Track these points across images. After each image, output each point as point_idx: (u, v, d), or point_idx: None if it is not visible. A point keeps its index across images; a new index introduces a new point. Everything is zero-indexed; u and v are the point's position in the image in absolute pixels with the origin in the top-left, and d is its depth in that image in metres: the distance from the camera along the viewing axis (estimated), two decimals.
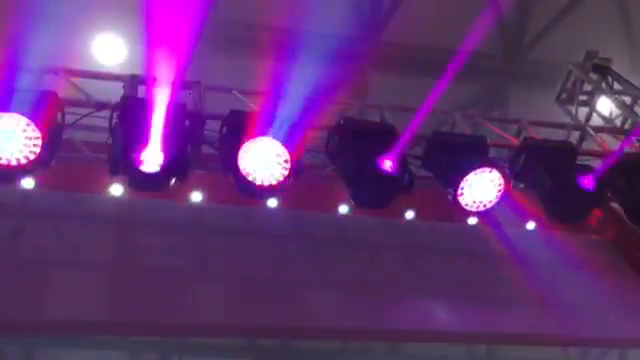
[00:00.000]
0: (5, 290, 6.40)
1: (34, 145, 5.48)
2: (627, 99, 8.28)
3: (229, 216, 7.67)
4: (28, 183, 6.28)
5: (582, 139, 7.84)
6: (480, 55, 9.65)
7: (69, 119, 6.08)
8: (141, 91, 6.17)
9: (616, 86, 8.42)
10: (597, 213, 6.88)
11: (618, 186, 7.01)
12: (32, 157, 5.49)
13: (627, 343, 8.94)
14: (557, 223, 7.26)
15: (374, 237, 8.05)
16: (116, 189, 6.96)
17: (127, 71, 6.57)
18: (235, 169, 5.93)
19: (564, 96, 8.60)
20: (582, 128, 7.95)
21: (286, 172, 5.98)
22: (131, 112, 5.80)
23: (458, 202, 6.43)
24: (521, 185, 7.06)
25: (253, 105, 6.60)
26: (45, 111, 5.53)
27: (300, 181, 6.12)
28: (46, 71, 6.23)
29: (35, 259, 6.85)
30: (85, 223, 7.21)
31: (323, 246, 7.79)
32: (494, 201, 6.53)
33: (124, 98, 6.04)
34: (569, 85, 8.55)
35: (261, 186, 6.00)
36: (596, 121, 8.31)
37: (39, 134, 5.45)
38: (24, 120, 5.41)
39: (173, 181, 5.83)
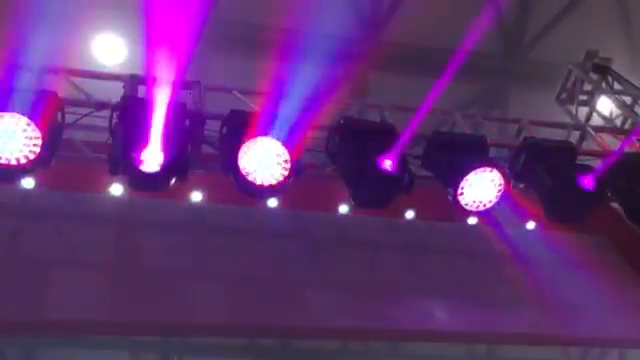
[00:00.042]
0: (5, 290, 6.41)
1: (34, 145, 5.48)
2: (627, 99, 8.28)
3: (229, 216, 7.68)
4: (28, 183, 6.28)
5: (582, 139, 7.83)
6: (480, 55, 9.64)
7: (69, 119, 6.08)
8: (141, 91, 6.17)
9: (616, 86, 8.41)
10: (597, 213, 6.85)
11: (618, 186, 7.01)
12: (32, 157, 5.49)
13: (627, 343, 8.94)
14: (557, 223, 7.26)
15: (374, 237, 8.06)
16: (116, 189, 6.96)
17: (127, 71, 6.57)
18: (235, 169, 5.93)
19: (564, 96, 8.60)
20: (582, 128, 7.95)
21: (286, 172, 5.98)
22: (131, 112, 5.80)
23: (458, 202, 6.43)
24: (521, 185, 7.05)
25: (253, 105, 6.60)
26: (45, 111, 5.53)
27: (300, 181, 6.12)
28: (46, 71, 6.22)
29: (35, 259, 6.85)
30: (85, 223, 7.22)
31: (323, 246, 7.80)
32: (494, 201, 6.53)
33: (124, 98, 6.04)
34: (569, 85, 8.55)
35: (261, 186, 6.00)
36: (596, 121, 8.31)
37: (39, 134, 5.45)
38: (24, 120, 5.41)
39: (173, 181, 5.83)
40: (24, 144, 5.46)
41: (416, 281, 7.78)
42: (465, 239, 8.11)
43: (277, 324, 7.19)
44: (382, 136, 6.32)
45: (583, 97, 8.45)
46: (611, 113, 8.39)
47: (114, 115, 5.99)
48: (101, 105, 6.13)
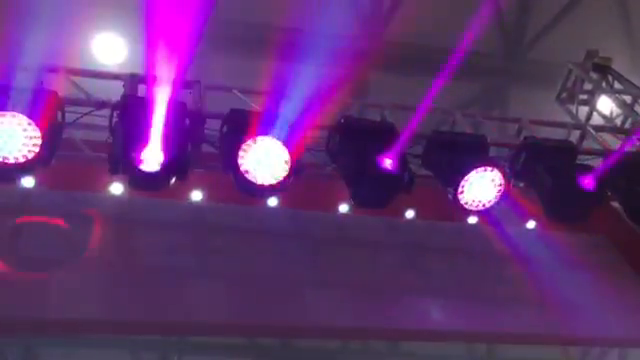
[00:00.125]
0: (5, 289, 6.40)
1: (34, 144, 5.48)
2: (627, 98, 8.28)
3: (229, 215, 7.68)
4: (28, 182, 6.27)
5: (582, 138, 7.83)
6: (481, 54, 9.66)
7: (69, 118, 6.08)
8: (141, 90, 6.17)
9: (616, 85, 8.41)
10: (597, 213, 6.86)
11: (618, 186, 7.01)
12: (32, 156, 5.49)
13: (627, 342, 8.94)
14: (557, 222, 7.26)
15: (374, 236, 8.06)
16: (116, 188, 6.96)
17: (127, 70, 6.57)
18: (235, 168, 5.93)
19: (564, 95, 8.59)
20: (582, 127, 7.95)
21: (286, 171, 5.98)
22: (131, 111, 5.81)
23: (458, 201, 6.43)
24: (521, 184, 7.06)
25: (253, 104, 6.60)
26: (45, 110, 5.53)
27: (300, 180, 6.12)
28: (46, 70, 6.22)
29: (35, 257, 6.85)
30: (85, 222, 7.21)
31: (323, 245, 7.80)
32: (494, 200, 6.53)
33: (124, 97, 6.04)
34: (569, 84, 8.55)
35: (261, 185, 6.00)
36: (596, 120, 8.30)
37: (39, 133, 5.45)
38: (24, 119, 5.41)
39: (173, 180, 5.83)
40: (24, 143, 5.46)
41: (416, 281, 7.78)
42: (465, 238, 8.10)
43: (277, 323, 7.19)
44: (382, 135, 6.32)
45: (583, 96, 8.44)
46: (611, 112, 8.38)
47: (114, 114, 5.99)
48: (101, 104, 6.13)
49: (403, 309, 7.49)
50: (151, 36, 5.53)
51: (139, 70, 6.32)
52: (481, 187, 6.43)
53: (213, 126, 6.29)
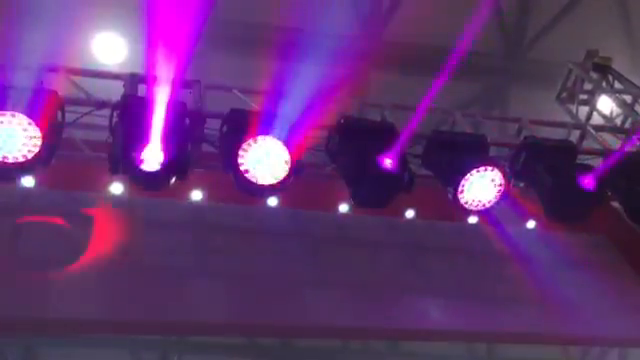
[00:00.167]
0: (5, 289, 6.40)
1: (34, 144, 5.48)
2: (628, 98, 8.28)
3: (229, 215, 7.67)
4: (28, 182, 6.27)
5: (582, 138, 7.84)
6: (480, 54, 9.66)
7: (69, 118, 6.08)
8: (141, 90, 6.17)
9: (617, 85, 8.41)
10: (597, 212, 6.86)
11: (619, 185, 7.01)
12: (32, 156, 5.49)
13: (627, 342, 8.94)
14: (557, 222, 7.26)
15: (374, 236, 8.06)
16: (116, 188, 6.95)
17: (127, 70, 6.57)
18: (235, 168, 5.93)
19: (564, 95, 8.59)
20: (582, 127, 7.95)
21: (286, 171, 5.98)
22: (131, 111, 5.81)
23: (458, 201, 6.43)
24: (521, 184, 7.06)
25: (253, 104, 6.60)
26: (45, 110, 5.53)
27: (300, 180, 6.12)
28: (46, 69, 6.22)
29: (35, 257, 6.85)
30: (85, 222, 7.21)
31: (323, 245, 7.80)
32: (494, 200, 6.53)
33: (124, 97, 6.04)
34: (569, 84, 8.55)
35: (261, 185, 6.00)
36: (596, 120, 8.30)
37: (39, 133, 5.45)
38: (24, 119, 5.41)
39: (173, 180, 5.83)
40: (24, 143, 5.46)
41: (416, 280, 7.78)
42: (465, 238, 8.10)
43: (277, 323, 7.19)
44: (382, 135, 6.33)
45: (583, 96, 8.45)
46: (611, 112, 8.38)
47: (114, 114, 5.99)
48: (101, 104, 6.13)
49: (403, 309, 7.48)
50: (151, 36, 5.53)
51: (139, 70, 6.33)
52: (481, 187, 6.43)
53: (213, 126, 6.29)
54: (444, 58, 6.10)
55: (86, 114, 6.20)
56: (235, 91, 6.82)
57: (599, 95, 8.33)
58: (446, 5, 9.31)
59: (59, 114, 5.86)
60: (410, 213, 7.97)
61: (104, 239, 7.16)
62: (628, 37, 10.62)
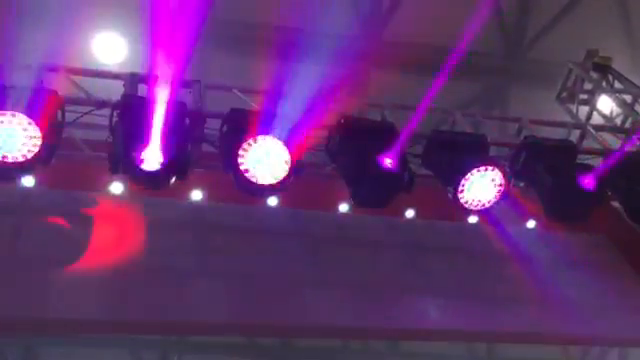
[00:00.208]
0: (5, 289, 6.40)
1: (34, 144, 5.48)
2: (628, 98, 8.28)
3: (229, 215, 7.67)
4: (28, 181, 6.27)
5: (582, 138, 7.84)
6: (481, 54, 9.66)
7: (69, 117, 6.08)
8: (141, 89, 6.17)
9: (617, 85, 8.41)
10: (597, 212, 6.86)
11: (619, 185, 7.01)
12: (32, 155, 5.49)
13: (627, 342, 8.94)
14: (557, 222, 7.26)
15: (374, 236, 8.06)
16: (116, 187, 6.95)
17: (127, 69, 6.58)
18: (235, 167, 5.93)
19: (564, 95, 8.59)
20: (583, 127, 7.95)
21: (286, 171, 5.98)
22: (131, 110, 5.81)
23: (458, 201, 6.43)
24: (521, 184, 7.06)
25: (253, 104, 6.60)
26: (45, 109, 5.54)
27: (300, 180, 6.12)
28: (46, 69, 6.23)
29: (35, 257, 6.85)
30: (85, 221, 7.21)
31: (323, 245, 7.80)
32: (494, 200, 6.53)
33: (124, 96, 6.04)
34: (570, 84, 8.55)
35: (261, 185, 6.00)
36: (597, 120, 8.30)
37: (39, 132, 5.45)
38: (25, 118, 5.41)
39: (173, 179, 5.83)
40: (24, 143, 5.47)
41: (416, 280, 7.78)
42: (465, 238, 8.10)
43: (277, 323, 7.19)
44: (382, 135, 6.32)
45: (583, 96, 8.45)
46: (611, 112, 8.38)
47: (114, 114, 5.99)
48: (101, 104, 6.13)
49: (403, 309, 7.48)
50: (151, 35, 5.53)
51: (139, 69, 6.33)
52: (481, 187, 6.43)
53: (213, 125, 6.29)
54: (444, 58, 6.10)
55: (86, 114, 6.20)
56: (235, 91, 6.82)
57: (599, 95, 8.33)
58: (446, 5, 9.31)
59: (59, 114, 5.86)
60: (410, 213, 7.97)
61: (104, 239, 7.16)
62: (628, 37, 10.62)
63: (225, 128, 6.18)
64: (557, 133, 7.76)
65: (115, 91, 6.16)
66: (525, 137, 7.03)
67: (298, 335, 10.62)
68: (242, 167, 5.93)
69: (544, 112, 8.29)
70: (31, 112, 5.42)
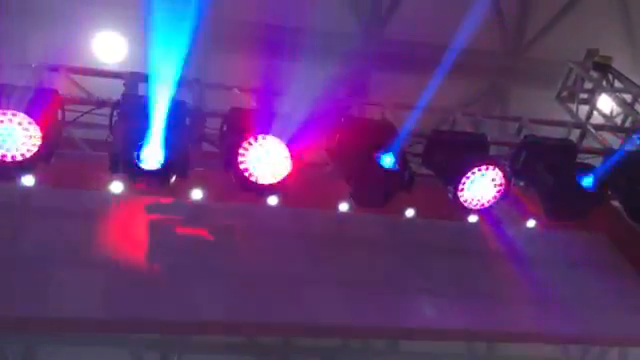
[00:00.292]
0: (6, 287, 6.40)
1: (34, 143, 5.48)
2: (628, 97, 8.28)
3: (229, 214, 7.67)
4: (28, 180, 6.26)
5: (583, 137, 7.84)
6: (481, 53, 9.66)
7: (69, 116, 6.09)
8: (142, 89, 6.17)
9: (617, 84, 8.42)
10: (596, 211, 6.86)
11: (619, 185, 7.01)
12: (32, 154, 5.50)
13: (627, 341, 8.94)
14: (557, 221, 7.26)
15: (374, 235, 8.05)
16: (116, 187, 6.94)
17: (128, 69, 6.58)
18: (235, 167, 5.93)
19: (565, 94, 8.60)
20: (583, 126, 7.96)
21: (286, 170, 5.98)
22: (132, 110, 5.81)
23: (458, 200, 6.43)
24: (521, 183, 7.05)
25: (254, 103, 6.60)
26: (46, 109, 5.54)
27: (300, 179, 6.11)
28: (47, 68, 6.23)
29: (36, 257, 6.84)
30: (85, 221, 7.21)
31: (323, 244, 7.78)
32: (494, 199, 6.53)
33: (124, 96, 6.05)
34: (570, 83, 8.56)
35: (262, 184, 6.00)
36: (597, 119, 8.31)
37: (40, 132, 5.45)
38: (25, 118, 5.41)
39: (173, 178, 5.83)
40: (24, 142, 5.47)
41: (416, 279, 7.77)
42: (465, 237, 8.09)
43: (277, 322, 7.18)
44: (382, 134, 6.32)
45: (583, 95, 8.45)
46: (611, 111, 8.39)
47: (114, 113, 5.99)
48: (101, 103, 6.14)
49: (403, 308, 7.48)
50: (151, 35, 5.54)
51: (139, 69, 6.33)
52: (481, 186, 6.44)
53: (213, 125, 6.29)
54: (444, 57, 6.10)
55: (86, 113, 6.20)
56: (235, 90, 6.82)
57: (599, 94, 8.34)
58: (446, 4, 9.32)
59: (59, 113, 5.87)
60: (410, 212, 7.95)
61: (104, 238, 7.15)
62: (628, 36, 10.63)
63: (225, 127, 6.18)
64: (557, 132, 7.76)
65: (115, 90, 6.17)
66: (525, 136, 7.03)
67: (298, 334, 10.62)
68: (242, 166, 5.93)
69: (544, 111, 8.29)
70: (31, 111, 5.43)
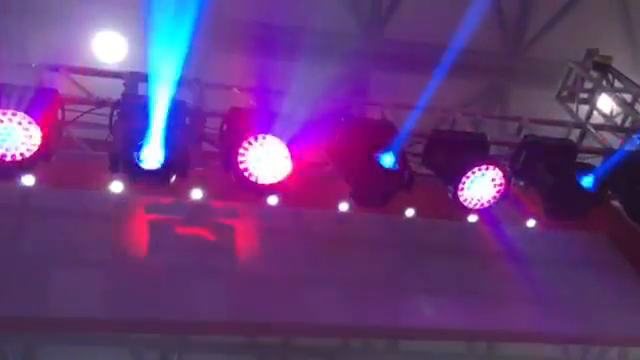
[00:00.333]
0: (6, 287, 6.40)
1: (34, 143, 5.48)
2: (628, 97, 8.28)
3: (229, 214, 7.67)
4: (28, 180, 6.26)
5: (583, 137, 7.84)
6: (481, 53, 9.66)
7: (69, 116, 6.09)
8: (142, 88, 6.17)
9: (617, 84, 8.42)
10: (596, 211, 6.86)
11: (619, 185, 7.01)
12: (32, 154, 5.50)
13: (627, 341, 8.94)
14: (557, 221, 7.26)
15: (374, 234, 8.05)
16: (116, 186, 6.94)
17: (128, 68, 6.58)
18: (235, 166, 5.93)
19: (565, 94, 8.60)
20: (583, 126, 7.96)
21: (287, 170, 5.98)
22: (131, 109, 5.81)
23: (458, 200, 6.43)
24: (521, 183, 7.05)
25: (254, 102, 6.60)
26: (46, 108, 5.54)
27: (300, 178, 6.11)
28: (47, 68, 6.23)
29: (36, 256, 6.84)
30: (85, 220, 7.21)
31: (323, 243, 7.78)
32: (494, 199, 6.53)
33: (124, 95, 6.05)
34: (570, 83, 8.55)
35: (262, 184, 6.00)
36: (597, 119, 8.31)
37: (40, 131, 5.45)
38: (25, 117, 5.41)
39: (173, 178, 5.83)
40: (24, 142, 5.47)
41: (416, 279, 7.77)
42: (465, 237, 8.09)
43: (277, 322, 7.18)
44: (382, 133, 6.32)
45: (583, 95, 8.45)
46: (612, 111, 8.39)
47: (114, 113, 5.99)
48: (101, 103, 6.14)
49: (403, 308, 7.48)
50: (151, 34, 5.53)
51: (139, 68, 6.33)
52: (481, 186, 6.44)
53: (213, 124, 6.29)
54: (444, 57, 6.10)
55: (86, 113, 6.20)
56: (235, 89, 6.82)
57: (599, 94, 8.34)
58: (446, 4, 9.31)
59: (59, 113, 5.87)
60: (410, 212, 7.95)
61: (104, 238, 7.15)
62: (628, 36, 10.63)
63: (225, 127, 6.18)
64: (557, 132, 7.76)
65: (115, 90, 6.17)
66: (525, 136, 7.03)
67: (298, 334, 10.62)
68: (242, 166, 5.93)
69: (544, 111, 8.29)
70: (31, 111, 5.43)
